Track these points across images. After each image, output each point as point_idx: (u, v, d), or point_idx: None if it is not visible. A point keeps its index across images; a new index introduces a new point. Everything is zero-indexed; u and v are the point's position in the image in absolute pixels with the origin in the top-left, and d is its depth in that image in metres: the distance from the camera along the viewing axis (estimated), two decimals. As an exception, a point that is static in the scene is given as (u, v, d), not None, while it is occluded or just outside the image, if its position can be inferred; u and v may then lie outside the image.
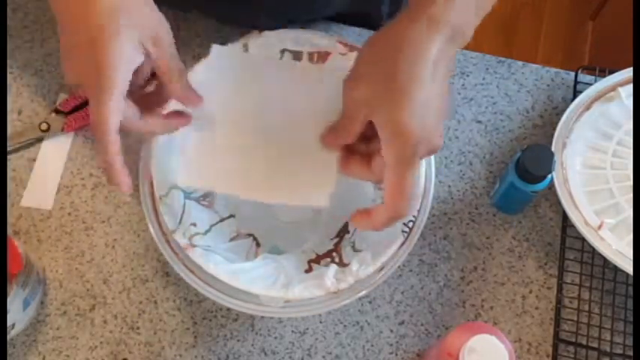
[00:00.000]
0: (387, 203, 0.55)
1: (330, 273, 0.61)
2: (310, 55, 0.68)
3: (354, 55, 0.66)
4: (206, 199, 0.69)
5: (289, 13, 0.74)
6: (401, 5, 0.86)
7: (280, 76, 0.65)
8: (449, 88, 0.56)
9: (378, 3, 0.84)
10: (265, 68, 0.66)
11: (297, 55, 0.68)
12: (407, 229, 0.62)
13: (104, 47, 0.53)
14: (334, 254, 0.67)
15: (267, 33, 0.66)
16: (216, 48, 0.65)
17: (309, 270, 0.65)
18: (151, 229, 0.63)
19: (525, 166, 0.67)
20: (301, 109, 0.63)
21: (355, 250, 0.66)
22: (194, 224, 0.65)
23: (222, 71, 0.64)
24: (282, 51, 0.67)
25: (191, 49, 0.80)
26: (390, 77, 0.53)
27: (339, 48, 0.67)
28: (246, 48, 0.66)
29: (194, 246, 0.62)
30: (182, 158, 0.63)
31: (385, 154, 0.54)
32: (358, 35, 0.81)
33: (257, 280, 0.61)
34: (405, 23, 0.55)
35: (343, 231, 0.69)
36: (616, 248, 0.69)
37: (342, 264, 0.64)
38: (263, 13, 0.71)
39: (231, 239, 0.69)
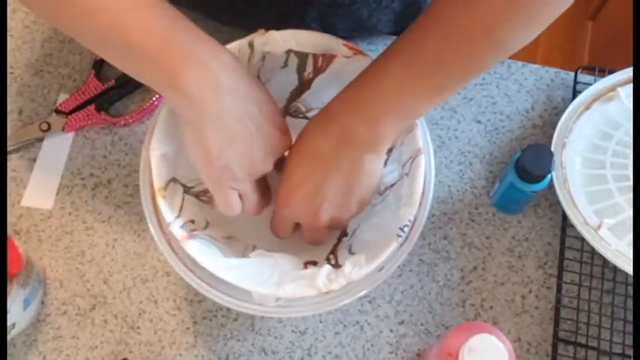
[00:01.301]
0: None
1: (322, 273, 0.61)
2: (315, 57, 0.68)
3: (358, 58, 0.66)
4: (206, 194, 0.69)
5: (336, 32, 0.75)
6: None
7: None
8: (357, 178, 0.61)
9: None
10: (297, 133, 0.73)
11: (302, 57, 0.68)
12: (402, 234, 0.62)
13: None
14: (330, 256, 0.67)
15: (272, 32, 0.66)
16: None
17: (304, 270, 0.65)
18: (151, 229, 0.63)
19: (525, 166, 0.67)
20: None
21: (351, 253, 0.66)
22: (192, 221, 0.65)
23: None
24: (287, 52, 0.67)
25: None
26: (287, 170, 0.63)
27: (344, 51, 0.67)
28: (251, 46, 0.66)
29: (191, 237, 0.62)
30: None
31: None
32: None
33: (250, 276, 0.61)
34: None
35: (341, 234, 0.69)
36: (615, 248, 0.69)
37: (337, 266, 0.64)
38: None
39: (229, 237, 0.69)
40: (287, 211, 0.63)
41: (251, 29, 0.67)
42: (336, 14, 0.74)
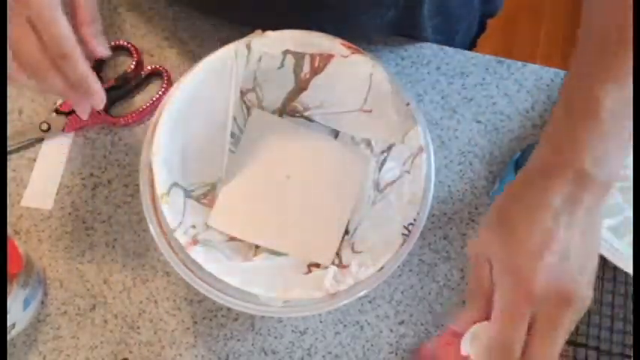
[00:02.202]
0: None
1: (329, 275, 0.62)
2: (312, 57, 0.68)
3: (355, 57, 0.66)
4: (206, 197, 0.69)
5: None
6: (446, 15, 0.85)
7: (310, 145, 0.72)
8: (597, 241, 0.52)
9: (417, 21, 0.81)
10: (296, 133, 0.73)
11: (298, 58, 0.68)
12: (407, 232, 0.62)
13: None
14: (335, 259, 0.67)
15: (269, 33, 0.66)
16: (256, 112, 0.73)
17: (308, 272, 0.65)
18: (151, 229, 0.63)
19: (525, 166, 0.67)
20: (321, 174, 0.71)
21: (354, 251, 0.66)
22: (194, 226, 0.65)
23: (259, 132, 0.72)
24: (284, 52, 0.67)
25: (190, 49, 0.80)
26: (505, 222, 0.51)
27: (341, 50, 0.67)
28: (248, 47, 0.66)
29: (196, 242, 0.62)
30: (217, 201, 0.70)
31: (495, 299, 0.50)
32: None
33: (256, 280, 0.61)
34: (525, 174, 0.53)
35: (343, 233, 0.69)
36: (615, 248, 0.69)
37: (341, 266, 0.64)
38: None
39: (231, 239, 0.69)
40: (531, 276, 0.49)
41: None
42: (335, 30, 0.74)
